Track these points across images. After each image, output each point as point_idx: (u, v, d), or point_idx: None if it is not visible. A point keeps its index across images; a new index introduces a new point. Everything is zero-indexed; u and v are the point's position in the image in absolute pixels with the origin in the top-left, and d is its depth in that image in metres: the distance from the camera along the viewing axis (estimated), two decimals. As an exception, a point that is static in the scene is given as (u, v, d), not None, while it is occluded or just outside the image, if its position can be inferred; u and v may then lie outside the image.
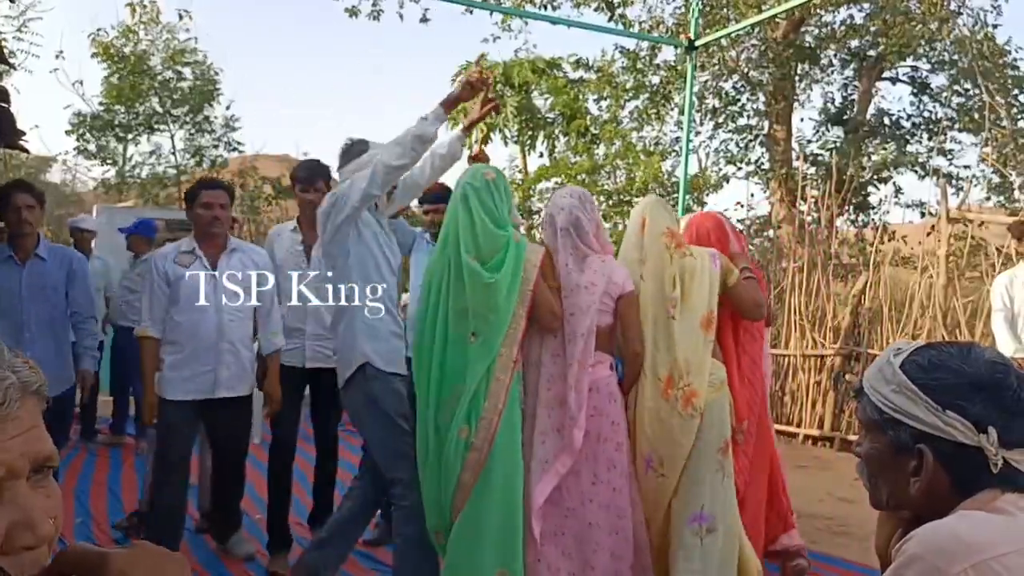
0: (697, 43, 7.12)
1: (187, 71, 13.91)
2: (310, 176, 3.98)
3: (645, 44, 12.91)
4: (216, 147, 13.88)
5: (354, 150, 3.30)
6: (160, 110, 13.65)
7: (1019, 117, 12.25)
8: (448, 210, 3.14)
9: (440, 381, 2.98)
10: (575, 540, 3.00)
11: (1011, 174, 11.21)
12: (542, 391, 3.04)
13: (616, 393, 3.08)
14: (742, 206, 13.16)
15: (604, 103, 12.98)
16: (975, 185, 12.21)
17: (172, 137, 13.97)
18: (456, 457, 2.89)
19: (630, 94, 13.07)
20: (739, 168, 13.48)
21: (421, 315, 3.13)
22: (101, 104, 13.70)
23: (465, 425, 2.88)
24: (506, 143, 13.54)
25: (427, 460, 3.00)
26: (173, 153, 14.08)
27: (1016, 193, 9.76)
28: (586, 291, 3.05)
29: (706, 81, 13.25)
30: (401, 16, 11.98)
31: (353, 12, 11.84)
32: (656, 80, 13.05)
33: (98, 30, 13.32)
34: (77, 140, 13.83)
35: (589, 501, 2.99)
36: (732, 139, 13.84)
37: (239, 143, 14.12)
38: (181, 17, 13.77)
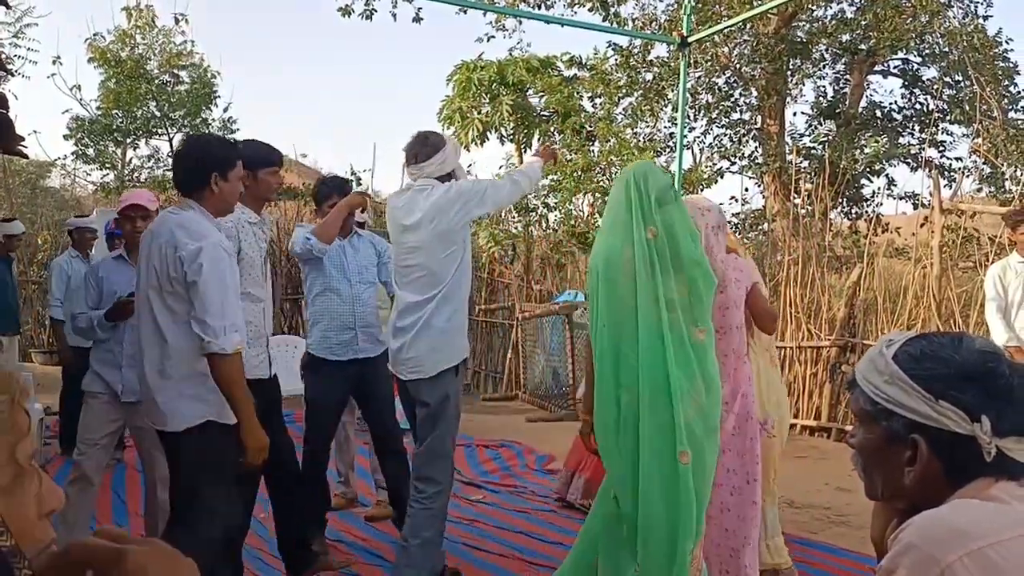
0: (690, 39, 7.19)
1: (184, 75, 13.97)
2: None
3: (638, 41, 12.98)
4: (214, 149, 13.93)
5: (432, 142, 3.42)
6: (158, 114, 13.70)
7: (1009, 108, 12.35)
8: (662, 209, 2.85)
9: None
10: (719, 509, 3.21)
11: (1002, 165, 11.30)
12: None
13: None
14: (736, 200, 13.29)
15: (598, 100, 13.05)
16: (967, 176, 12.32)
17: (170, 141, 14.02)
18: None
19: (624, 91, 13.13)
20: (733, 163, 13.57)
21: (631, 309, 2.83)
22: (99, 109, 13.74)
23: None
24: (502, 141, 13.58)
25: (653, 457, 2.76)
26: (171, 156, 14.13)
27: (1007, 184, 9.85)
28: (735, 285, 3.27)
29: (699, 77, 13.34)
30: (394, 16, 12.04)
31: (346, 11, 11.88)
32: (649, 77, 13.13)
33: (95, 35, 13.38)
34: (75, 145, 13.88)
35: (734, 472, 3.23)
36: (726, 134, 13.92)
37: (238, 142, 14.18)
38: (177, 21, 13.85)
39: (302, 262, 4.30)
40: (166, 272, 2.76)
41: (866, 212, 12.60)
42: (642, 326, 2.74)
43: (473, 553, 4.15)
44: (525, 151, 13.57)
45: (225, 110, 14.16)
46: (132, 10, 13.60)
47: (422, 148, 3.40)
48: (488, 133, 12.95)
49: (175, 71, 13.81)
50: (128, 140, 14.15)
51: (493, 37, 13.32)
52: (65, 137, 13.87)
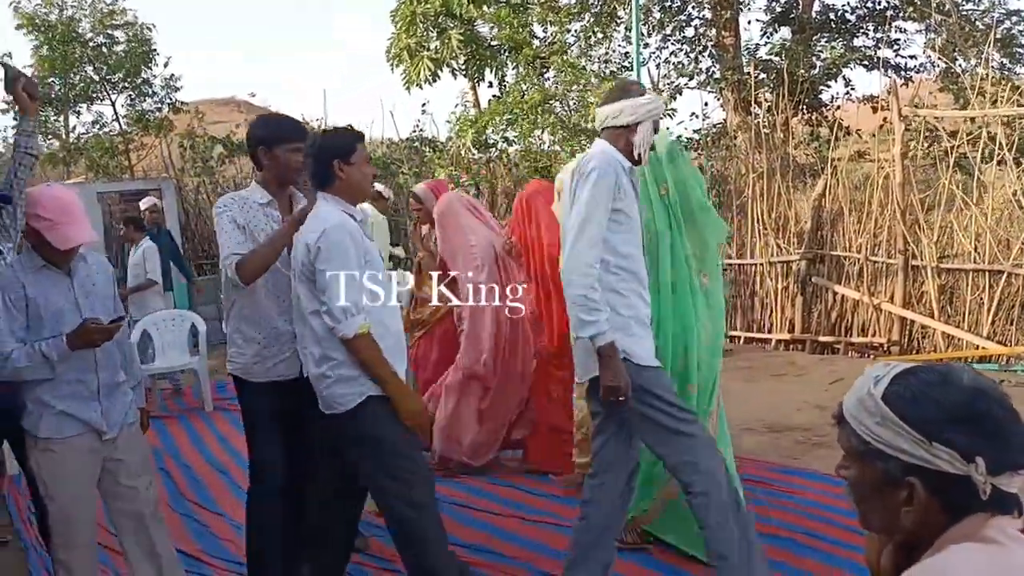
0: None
1: (119, 34, 13.41)
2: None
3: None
4: (160, 109, 13.51)
5: (619, 87, 3.09)
6: (96, 78, 13.20)
7: (961, 3, 12.20)
8: (672, 164, 3.29)
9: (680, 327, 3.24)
10: None
11: (958, 59, 11.24)
12: None
13: None
14: (697, 116, 13.19)
15: (550, 29, 12.73)
16: (922, 72, 12.26)
17: (113, 104, 13.57)
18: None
19: (575, 12, 12.81)
20: (691, 78, 13.37)
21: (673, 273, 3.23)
22: (35, 78, 13.19)
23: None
24: (455, 76, 13.31)
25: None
26: (116, 120, 13.71)
27: (964, 79, 9.80)
28: None
29: (650, -7, 13.04)
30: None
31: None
32: (599, -3, 12.80)
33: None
34: (14, 118, 13.37)
35: None
36: (681, 49, 13.68)
37: (183, 103, 13.74)
38: (104, -27, 13.22)
39: None
40: (305, 262, 2.81)
41: (826, 118, 12.50)
42: (663, 281, 3.16)
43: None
44: (479, 85, 13.32)
45: (166, 65, 13.66)
46: (55, -32, 12.95)
47: (609, 93, 3.03)
48: (439, 70, 12.68)
49: (109, 31, 13.24)
50: (70, 107, 13.66)
51: (435, -36, 12.84)
52: (2, 111, 13.41)
